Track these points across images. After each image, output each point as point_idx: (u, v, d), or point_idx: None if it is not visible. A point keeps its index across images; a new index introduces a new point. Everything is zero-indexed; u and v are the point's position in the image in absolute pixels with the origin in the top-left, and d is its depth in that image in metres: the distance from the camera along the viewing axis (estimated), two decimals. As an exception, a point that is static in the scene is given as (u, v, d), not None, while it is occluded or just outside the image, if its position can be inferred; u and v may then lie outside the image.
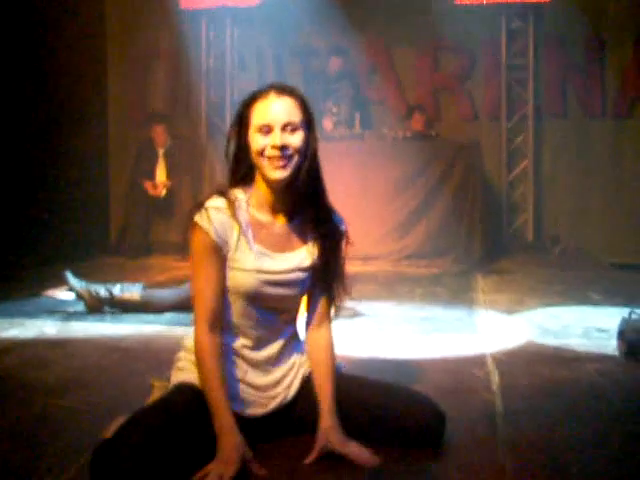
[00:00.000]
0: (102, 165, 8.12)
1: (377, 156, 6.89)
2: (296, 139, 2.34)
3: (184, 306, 4.70)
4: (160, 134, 7.72)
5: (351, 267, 6.03)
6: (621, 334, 3.77)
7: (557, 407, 2.96)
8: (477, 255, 6.69)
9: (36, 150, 6.81)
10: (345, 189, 6.50)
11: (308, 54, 8.09)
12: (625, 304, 4.64)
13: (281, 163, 2.33)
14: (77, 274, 4.92)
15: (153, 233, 7.64)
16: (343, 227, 2.58)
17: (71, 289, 4.88)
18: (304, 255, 2.49)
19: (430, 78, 7.95)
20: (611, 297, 5.28)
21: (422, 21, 7.48)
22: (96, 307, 4.78)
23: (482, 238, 6.78)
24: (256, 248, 2.41)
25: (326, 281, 2.52)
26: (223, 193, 2.41)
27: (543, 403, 3.02)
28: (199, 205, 2.39)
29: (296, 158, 2.35)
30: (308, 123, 2.39)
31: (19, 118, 6.61)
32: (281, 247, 2.46)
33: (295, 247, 2.49)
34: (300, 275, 2.48)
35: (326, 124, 7.32)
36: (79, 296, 4.84)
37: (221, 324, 2.40)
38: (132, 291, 4.90)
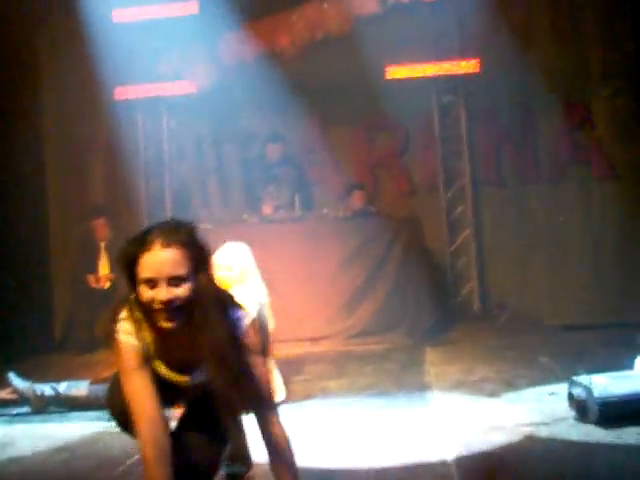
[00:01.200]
0: (43, 260, 8.01)
1: (319, 236, 6.90)
2: (182, 291, 2.31)
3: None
4: (101, 227, 7.68)
5: (299, 348, 6.05)
6: (570, 396, 3.79)
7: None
8: (425, 327, 6.69)
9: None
10: (289, 271, 6.52)
11: (246, 140, 8.14)
12: (572, 364, 4.66)
13: (168, 316, 2.31)
14: (21, 373, 4.81)
15: (97, 327, 7.51)
16: (242, 323, 2.46)
17: (15, 390, 4.77)
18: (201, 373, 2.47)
19: (367, 155, 8.04)
20: (559, 359, 5.30)
21: (356, 99, 7.58)
22: (41, 407, 4.68)
23: (428, 310, 6.80)
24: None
25: (243, 398, 2.42)
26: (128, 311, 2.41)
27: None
28: (113, 322, 2.40)
29: (185, 306, 2.32)
30: (196, 269, 2.34)
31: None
32: (180, 365, 2.47)
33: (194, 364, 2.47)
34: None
35: (265, 209, 7.30)
36: (23, 397, 4.73)
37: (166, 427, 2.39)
38: (79, 387, 4.81)
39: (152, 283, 2.28)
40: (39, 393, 4.69)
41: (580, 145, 7.67)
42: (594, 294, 7.18)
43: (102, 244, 7.68)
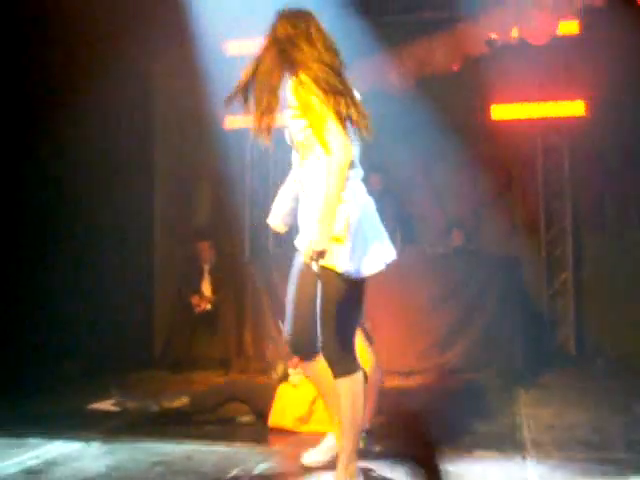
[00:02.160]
0: (148, 279, 8.30)
1: (417, 271, 6.94)
2: None
3: (234, 397, 4.86)
4: (206, 250, 7.92)
5: (392, 381, 6.07)
6: (662, 447, 3.76)
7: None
8: (519, 368, 6.67)
9: (82, 267, 7.05)
10: (386, 304, 6.58)
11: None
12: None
13: None
14: (121, 387, 5.02)
15: (196, 348, 7.72)
16: None
17: (117, 402, 4.98)
18: None
19: (469, 193, 8.09)
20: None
21: (461, 137, 7.63)
22: (141, 420, 4.87)
23: (523, 351, 6.77)
24: None
25: None
26: None
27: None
28: None
29: None
30: None
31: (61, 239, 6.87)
32: None
33: None
34: None
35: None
36: (124, 408, 4.93)
37: None
38: (181, 398, 5.01)
39: None
40: (140, 406, 4.89)
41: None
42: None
43: (206, 267, 7.91)
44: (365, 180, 3.74)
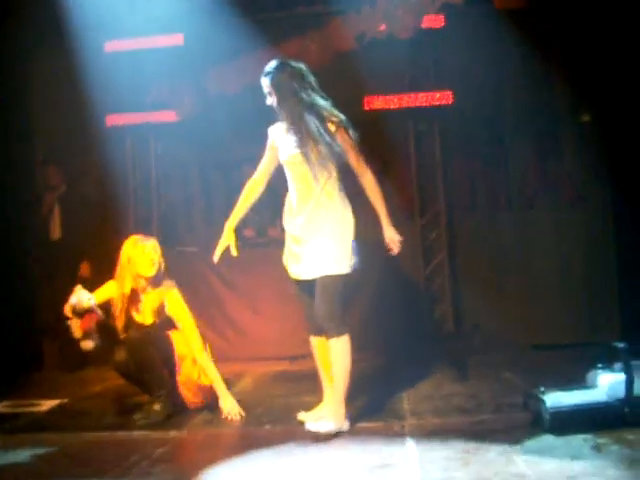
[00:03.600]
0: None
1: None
2: None
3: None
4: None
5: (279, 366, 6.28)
6: (525, 406, 4.14)
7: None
8: (399, 346, 7.04)
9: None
10: (271, 292, 6.81)
11: (231, 167, 8.45)
12: (534, 380, 5.01)
13: None
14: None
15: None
16: None
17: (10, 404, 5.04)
18: None
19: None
20: (523, 375, 5.64)
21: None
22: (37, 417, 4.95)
23: (403, 330, 7.18)
24: None
25: None
26: None
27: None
28: None
29: None
30: None
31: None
32: None
33: None
34: None
35: (247, 232, 7.71)
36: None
37: None
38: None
39: None
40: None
41: (549, 173, 8.04)
42: (562, 315, 7.49)
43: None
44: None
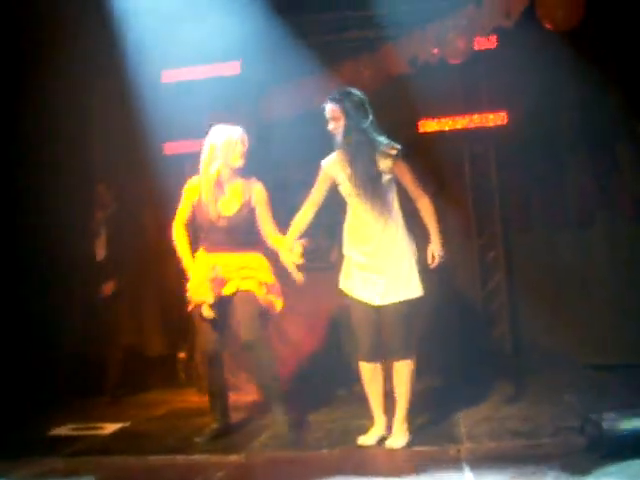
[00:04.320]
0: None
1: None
2: None
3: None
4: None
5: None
6: (582, 430, 4.12)
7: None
8: (457, 367, 7.04)
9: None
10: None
11: (287, 188, 8.51)
12: (594, 402, 4.98)
13: None
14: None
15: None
16: None
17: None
18: None
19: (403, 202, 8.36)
20: (583, 398, 5.60)
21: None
22: (100, 441, 5.09)
23: (461, 350, 7.19)
24: None
25: None
26: None
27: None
28: None
29: None
30: None
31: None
32: None
33: None
34: None
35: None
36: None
37: None
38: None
39: None
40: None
41: (607, 190, 7.96)
42: (623, 334, 7.38)
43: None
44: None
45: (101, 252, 7.59)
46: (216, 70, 7.90)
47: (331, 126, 4.74)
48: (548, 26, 6.46)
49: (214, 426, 5.32)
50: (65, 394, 7.04)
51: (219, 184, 5.29)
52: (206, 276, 5.15)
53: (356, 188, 4.72)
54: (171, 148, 8.19)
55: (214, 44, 7.63)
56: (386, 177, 4.72)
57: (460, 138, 8.01)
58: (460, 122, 7.80)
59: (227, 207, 5.28)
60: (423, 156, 7.78)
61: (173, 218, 5.58)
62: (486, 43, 7.27)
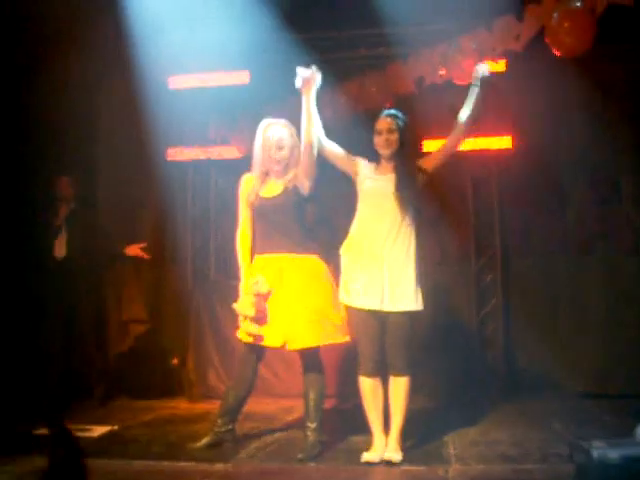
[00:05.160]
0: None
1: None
2: None
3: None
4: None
5: (329, 403, 6.28)
6: (571, 457, 4.10)
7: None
8: (449, 389, 7.03)
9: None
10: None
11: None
12: (582, 431, 4.97)
13: None
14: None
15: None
16: None
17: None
18: None
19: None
20: (572, 426, 5.58)
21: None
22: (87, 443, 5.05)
23: (454, 373, 7.21)
24: None
25: None
26: None
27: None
28: None
29: None
30: None
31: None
32: None
33: None
34: None
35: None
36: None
37: None
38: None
39: None
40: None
41: (607, 219, 7.97)
42: (611, 364, 7.38)
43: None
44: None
45: (61, 250, 7.39)
46: (225, 79, 7.91)
47: (382, 138, 5.00)
48: (557, 52, 6.48)
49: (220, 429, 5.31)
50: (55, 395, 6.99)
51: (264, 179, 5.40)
52: None
53: (398, 192, 4.92)
54: (174, 154, 8.20)
55: (224, 52, 7.67)
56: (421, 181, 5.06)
57: (464, 160, 8.00)
58: (464, 144, 7.78)
59: (271, 191, 5.40)
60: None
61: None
62: (495, 66, 7.27)
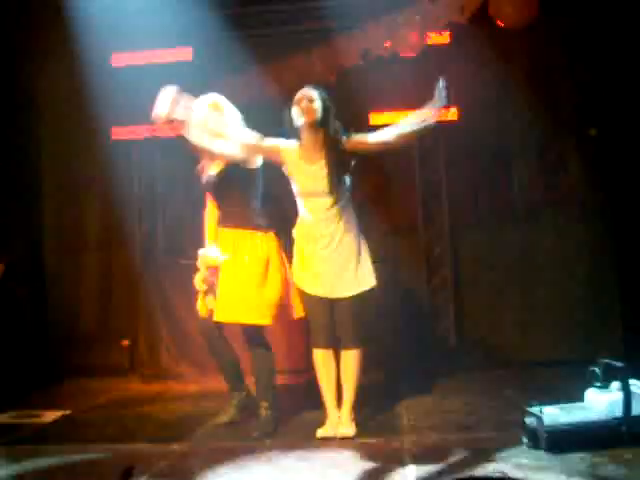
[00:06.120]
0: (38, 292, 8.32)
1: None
2: None
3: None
4: None
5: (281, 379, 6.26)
6: (523, 424, 4.17)
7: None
8: (400, 362, 7.09)
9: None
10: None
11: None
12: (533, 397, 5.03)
13: None
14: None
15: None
16: None
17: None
18: None
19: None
20: (523, 393, 5.66)
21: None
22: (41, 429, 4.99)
23: (405, 346, 7.26)
24: None
25: None
26: None
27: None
28: None
29: None
30: None
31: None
32: None
33: None
34: None
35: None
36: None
37: None
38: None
39: None
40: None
41: (553, 186, 8.04)
42: (563, 331, 7.49)
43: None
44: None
45: None
46: (168, 55, 7.82)
47: (301, 106, 4.83)
48: (500, 23, 6.50)
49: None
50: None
51: None
52: None
53: (324, 187, 4.78)
54: (119, 133, 8.08)
55: (166, 30, 7.58)
56: (348, 165, 4.88)
57: (410, 132, 7.98)
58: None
59: None
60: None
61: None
62: (439, 38, 7.29)
